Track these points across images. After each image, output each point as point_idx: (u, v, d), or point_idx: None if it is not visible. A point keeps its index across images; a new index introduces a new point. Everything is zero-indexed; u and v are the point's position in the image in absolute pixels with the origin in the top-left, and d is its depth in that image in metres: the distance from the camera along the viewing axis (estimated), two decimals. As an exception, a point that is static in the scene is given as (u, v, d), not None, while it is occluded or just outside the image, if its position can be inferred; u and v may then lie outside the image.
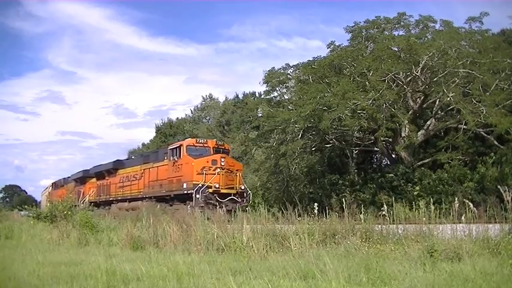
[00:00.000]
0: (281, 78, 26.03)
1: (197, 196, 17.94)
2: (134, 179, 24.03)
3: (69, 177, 35.13)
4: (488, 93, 20.44)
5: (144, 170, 23.10)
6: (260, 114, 28.84)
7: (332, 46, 24.49)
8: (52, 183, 40.55)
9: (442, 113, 23.56)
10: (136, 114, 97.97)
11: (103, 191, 28.02)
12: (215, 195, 18.30)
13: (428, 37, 22.34)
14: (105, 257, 8.62)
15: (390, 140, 22.88)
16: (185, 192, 18.90)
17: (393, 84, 21.90)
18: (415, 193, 20.86)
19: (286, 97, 27.05)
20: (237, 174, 19.71)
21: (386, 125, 20.85)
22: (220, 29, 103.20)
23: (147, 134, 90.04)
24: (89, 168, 31.72)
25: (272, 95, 27.36)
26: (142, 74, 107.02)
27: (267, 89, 26.79)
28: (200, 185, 18.13)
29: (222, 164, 18.98)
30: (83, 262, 8.43)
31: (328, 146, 25.54)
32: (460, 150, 22.07)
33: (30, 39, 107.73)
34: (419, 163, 22.95)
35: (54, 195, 32.73)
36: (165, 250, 9.87)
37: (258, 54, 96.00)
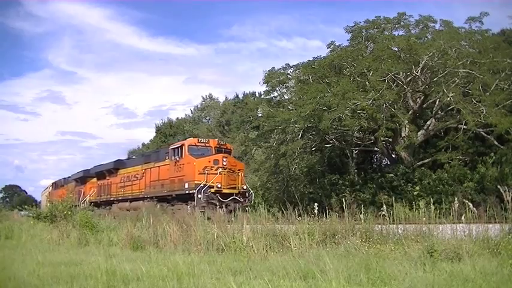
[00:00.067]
0: (281, 78, 26.03)
1: (199, 196, 17.78)
2: (135, 178, 23.95)
3: (69, 177, 35.11)
4: (488, 93, 20.43)
5: (145, 169, 23.01)
6: (260, 114, 28.85)
7: (332, 46, 24.50)
8: (52, 183, 40.52)
9: (442, 113, 23.56)
10: (136, 114, 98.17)
11: (104, 191, 27.98)
12: (217, 195, 18.14)
13: (428, 37, 22.33)
14: (105, 257, 8.62)
15: (390, 140, 22.88)
16: (187, 192, 18.77)
17: (393, 84, 21.90)
18: (415, 193, 20.86)
19: (286, 97, 27.06)
20: (239, 174, 19.55)
21: (386, 125, 20.84)
22: (220, 29, 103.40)
23: (147, 134, 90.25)
24: (89, 168, 31.72)
25: (272, 95, 27.39)
26: (142, 74, 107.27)
27: (267, 89, 26.83)
28: (202, 185, 17.96)
29: (224, 163, 18.82)
30: (83, 262, 8.43)
31: (328, 146, 25.53)
32: (460, 150, 22.07)
33: (31, 39, 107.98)
34: (419, 163, 22.94)
35: (55, 195, 32.72)
36: (165, 250, 9.87)
37: (258, 54, 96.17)
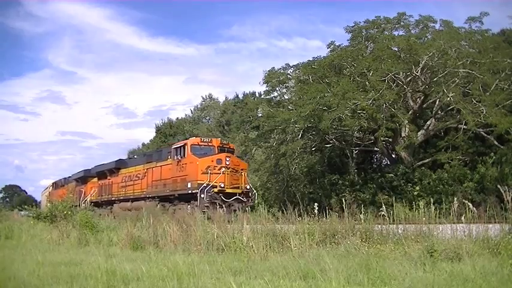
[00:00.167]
0: (281, 78, 26.04)
1: (202, 196, 17.60)
2: (137, 178, 23.82)
3: (69, 177, 35.11)
4: (488, 93, 20.44)
5: (147, 169, 22.89)
6: (260, 114, 28.87)
7: (332, 46, 24.53)
8: (52, 183, 40.52)
9: (442, 113, 23.56)
10: (136, 114, 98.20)
11: (105, 191, 27.91)
12: (220, 194, 17.96)
13: (428, 37, 22.34)
14: (105, 257, 8.59)
15: (390, 140, 22.88)
16: (190, 191, 18.59)
17: (393, 84, 21.90)
18: (415, 193, 20.87)
19: (286, 97, 27.08)
20: (242, 173, 19.40)
21: (386, 125, 20.84)
22: (220, 29, 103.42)
23: (147, 134, 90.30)
24: (90, 168, 31.70)
25: (272, 95, 27.41)
26: (142, 74, 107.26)
27: (267, 89, 26.84)
28: (205, 185, 17.78)
29: (227, 163, 18.64)
30: (83, 262, 8.42)
31: (328, 146, 25.54)
32: (460, 150, 22.08)
33: (31, 39, 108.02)
34: (419, 163, 22.95)
35: (55, 195, 32.76)
36: (165, 250, 9.85)
37: (258, 54, 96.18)
